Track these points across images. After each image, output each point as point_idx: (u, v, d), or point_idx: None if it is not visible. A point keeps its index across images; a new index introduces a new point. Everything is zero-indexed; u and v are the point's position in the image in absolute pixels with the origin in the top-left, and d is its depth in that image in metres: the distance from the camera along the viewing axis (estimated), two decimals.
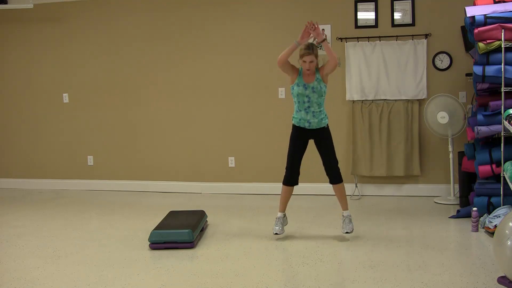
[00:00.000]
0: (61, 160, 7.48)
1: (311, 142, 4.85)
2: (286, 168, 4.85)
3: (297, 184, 4.88)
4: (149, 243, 4.65)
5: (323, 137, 4.78)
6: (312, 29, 4.60)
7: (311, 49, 4.61)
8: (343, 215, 4.83)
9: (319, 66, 4.73)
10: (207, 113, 6.96)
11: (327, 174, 4.82)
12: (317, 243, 4.66)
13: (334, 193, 4.90)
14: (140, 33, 7.07)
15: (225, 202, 6.48)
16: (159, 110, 7.11)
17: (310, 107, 4.70)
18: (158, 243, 4.60)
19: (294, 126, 4.82)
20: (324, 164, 4.80)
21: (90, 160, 7.40)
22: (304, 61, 4.62)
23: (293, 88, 4.74)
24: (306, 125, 4.74)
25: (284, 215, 4.92)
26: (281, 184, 4.92)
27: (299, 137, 4.79)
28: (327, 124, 4.81)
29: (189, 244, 4.59)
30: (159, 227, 4.75)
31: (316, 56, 4.63)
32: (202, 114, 6.98)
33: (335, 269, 4.09)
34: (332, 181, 4.82)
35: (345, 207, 4.85)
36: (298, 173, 4.85)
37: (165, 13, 6.98)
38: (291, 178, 4.84)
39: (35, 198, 7.01)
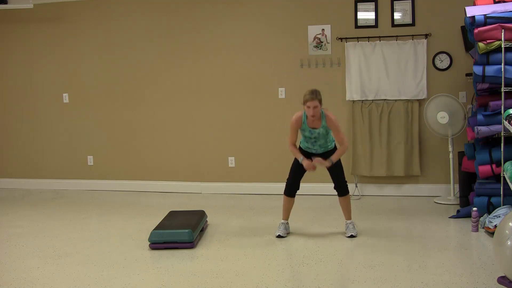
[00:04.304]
0: (61, 160, 7.48)
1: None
2: (287, 181, 4.93)
3: (294, 196, 4.96)
4: (149, 243, 4.65)
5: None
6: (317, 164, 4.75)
7: (314, 94, 4.63)
8: (346, 223, 4.92)
9: (324, 112, 4.72)
10: (207, 113, 6.96)
11: (335, 189, 4.90)
12: (317, 243, 4.67)
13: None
14: (140, 33, 7.07)
15: (225, 202, 6.48)
16: (159, 110, 7.10)
17: (317, 142, 4.79)
18: (158, 243, 4.60)
19: (300, 148, 4.91)
20: (333, 181, 4.88)
21: (90, 160, 7.39)
22: (308, 107, 4.63)
23: (299, 129, 4.82)
24: (313, 151, 4.86)
25: (287, 222, 5.00)
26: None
27: (305, 157, 4.83)
28: (335, 145, 4.89)
29: (189, 244, 4.59)
30: (159, 227, 4.76)
31: (320, 101, 4.64)
32: (202, 114, 6.97)
33: (335, 269, 4.09)
34: (339, 195, 4.91)
35: (348, 217, 4.93)
36: (298, 187, 4.95)
37: (165, 13, 6.98)
38: (290, 190, 4.93)
39: (35, 198, 7.00)
